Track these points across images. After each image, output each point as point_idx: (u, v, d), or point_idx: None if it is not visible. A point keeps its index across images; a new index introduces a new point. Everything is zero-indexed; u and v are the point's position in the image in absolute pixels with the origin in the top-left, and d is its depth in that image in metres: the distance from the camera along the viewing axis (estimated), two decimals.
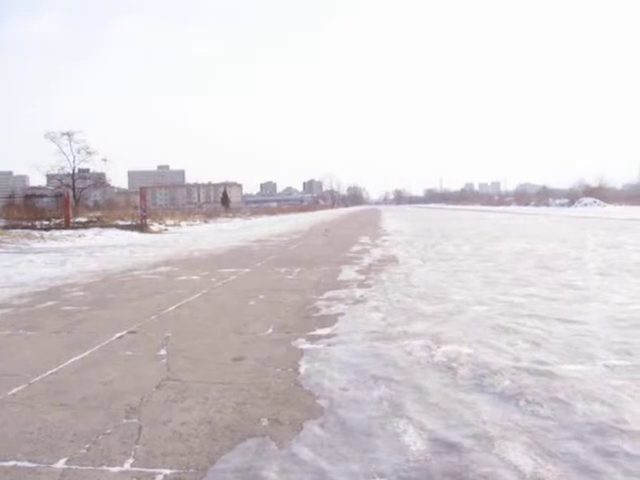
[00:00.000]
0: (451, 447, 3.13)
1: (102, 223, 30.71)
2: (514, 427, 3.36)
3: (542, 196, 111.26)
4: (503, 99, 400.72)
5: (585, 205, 73.89)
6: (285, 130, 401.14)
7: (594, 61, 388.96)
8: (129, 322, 6.59)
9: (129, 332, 6.11)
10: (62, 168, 59.77)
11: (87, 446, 3.23)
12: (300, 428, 3.44)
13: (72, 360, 5.04)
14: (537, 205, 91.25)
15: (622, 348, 4.97)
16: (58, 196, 36.25)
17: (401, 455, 3.05)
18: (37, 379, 4.52)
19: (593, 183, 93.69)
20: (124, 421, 3.60)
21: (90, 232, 25.85)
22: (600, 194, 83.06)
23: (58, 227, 27.71)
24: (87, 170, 63.97)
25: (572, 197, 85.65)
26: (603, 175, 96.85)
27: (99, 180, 66.85)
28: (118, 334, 6.01)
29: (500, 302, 7.23)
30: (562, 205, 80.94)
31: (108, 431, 3.44)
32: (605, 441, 3.15)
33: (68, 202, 31.92)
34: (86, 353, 5.27)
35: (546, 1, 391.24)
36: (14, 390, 4.26)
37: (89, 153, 59.84)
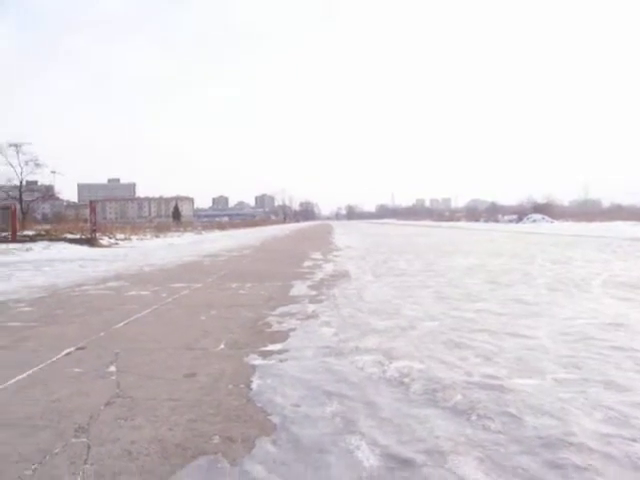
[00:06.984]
0: (404, 463, 3.13)
1: (50, 237, 30.11)
2: (466, 442, 3.38)
3: (491, 212, 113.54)
4: (454, 116, 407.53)
5: (534, 221, 75.54)
6: (237, 144, 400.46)
7: (541, 80, 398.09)
8: (77, 338, 6.44)
9: (77, 349, 5.97)
10: (9, 180, 58.24)
11: (33, 467, 3.13)
12: (252, 445, 3.40)
13: (18, 378, 4.89)
14: (487, 221, 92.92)
15: (570, 362, 5.07)
16: (4, 209, 35.39)
17: (354, 472, 3.04)
18: None
19: (541, 200, 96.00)
20: (72, 440, 3.50)
21: (38, 246, 25.30)
22: (548, 210, 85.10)
23: (4, 240, 27.11)
24: (35, 182, 62.46)
25: (521, 213, 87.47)
26: (550, 192, 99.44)
27: (48, 193, 65.23)
28: (66, 351, 5.86)
29: (451, 317, 7.31)
30: (511, 221, 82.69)
31: (56, 451, 3.34)
32: (554, 454, 3.19)
33: (15, 215, 31.25)
34: (32, 370, 5.12)
35: (497, 34, 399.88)
36: None
37: (38, 165, 58.23)
